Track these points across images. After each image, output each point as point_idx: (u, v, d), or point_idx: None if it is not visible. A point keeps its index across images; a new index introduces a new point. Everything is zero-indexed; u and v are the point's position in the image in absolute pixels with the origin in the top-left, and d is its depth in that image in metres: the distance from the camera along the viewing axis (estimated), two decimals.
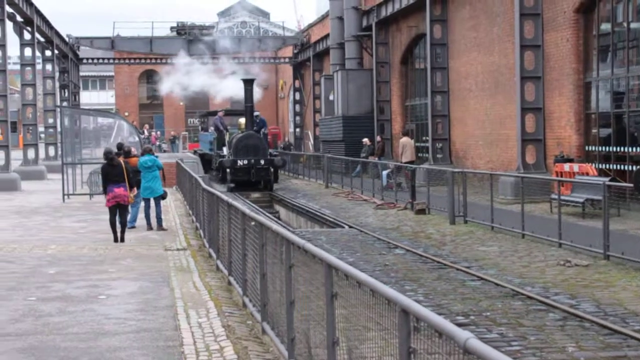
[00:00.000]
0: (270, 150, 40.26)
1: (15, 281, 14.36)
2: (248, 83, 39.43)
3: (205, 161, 44.90)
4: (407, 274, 15.66)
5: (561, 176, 23.89)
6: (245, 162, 36.91)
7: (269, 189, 37.77)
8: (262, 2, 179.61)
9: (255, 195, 36.29)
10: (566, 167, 24.71)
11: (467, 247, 19.11)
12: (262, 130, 40.77)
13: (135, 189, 20.83)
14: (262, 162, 37.24)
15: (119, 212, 19.78)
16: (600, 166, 25.59)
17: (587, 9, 26.75)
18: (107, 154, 20.71)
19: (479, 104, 34.09)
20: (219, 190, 19.85)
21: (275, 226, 9.95)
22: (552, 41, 27.87)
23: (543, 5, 27.97)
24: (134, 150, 24.44)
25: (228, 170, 37.05)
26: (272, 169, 37.96)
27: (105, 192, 20.07)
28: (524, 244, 18.90)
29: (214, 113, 46.59)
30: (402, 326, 5.11)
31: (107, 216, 20.21)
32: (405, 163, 30.80)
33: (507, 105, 30.81)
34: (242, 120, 39.57)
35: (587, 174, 23.42)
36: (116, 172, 19.93)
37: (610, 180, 19.91)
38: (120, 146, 23.83)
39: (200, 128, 57.72)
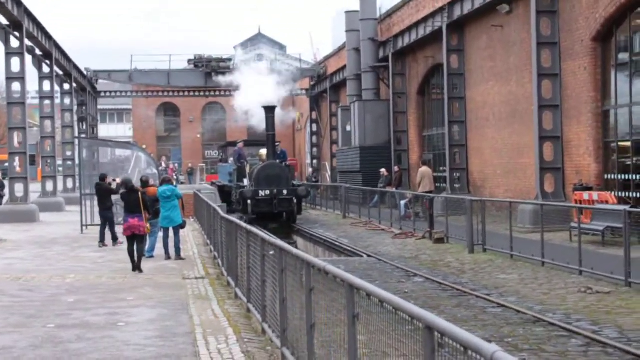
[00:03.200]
0: (292, 181, 38.43)
1: (35, 309, 14.35)
2: (269, 110, 37.37)
3: (225, 193, 42.96)
4: (427, 302, 15.56)
5: (581, 204, 23.75)
6: (268, 192, 34.99)
7: (292, 221, 36.16)
8: (279, 35, 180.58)
9: (273, 225, 34.54)
10: (585, 195, 24.58)
11: (487, 275, 19.00)
12: (285, 162, 39.14)
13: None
14: (285, 192, 35.27)
15: (136, 241, 19.80)
16: (619, 194, 25.46)
17: (605, 38, 26.74)
18: (127, 183, 20.87)
19: (496, 133, 34.05)
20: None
21: (295, 250, 9.91)
22: (570, 70, 27.85)
23: (560, 34, 27.99)
24: (151, 181, 24.53)
25: (249, 201, 35.07)
26: (295, 200, 35.98)
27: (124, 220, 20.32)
28: (544, 271, 18.76)
29: (234, 144, 45.49)
30: (427, 343, 5.05)
31: (124, 246, 20.30)
32: (424, 193, 30.69)
33: (525, 134, 30.75)
34: (263, 151, 37.81)
35: (607, 202, 23.30)
36: (133, 202, 20.03)
37: (630, 208, 19.77)
38: (146, 180, 23.97)
39: (219, 159, 56.86)
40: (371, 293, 6.49)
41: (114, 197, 25.98)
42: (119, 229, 23.72)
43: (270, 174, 35.62)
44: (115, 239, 25.35)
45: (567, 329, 12.64)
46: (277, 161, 36.94)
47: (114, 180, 27.35)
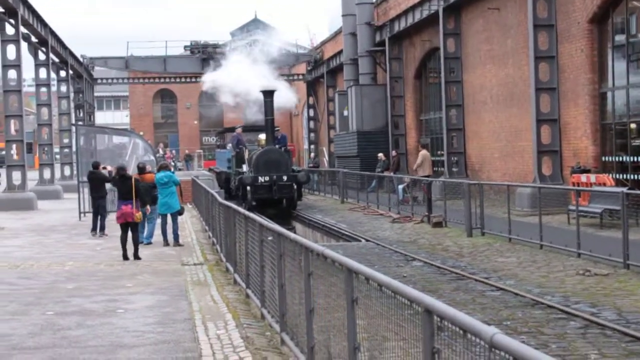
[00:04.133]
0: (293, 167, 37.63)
1: (34, 296, 14.36)
2: (268, 95, 36.47)
3: (224, 180, 42.35)
4: (426, 286, 15.56)
5: (578, 187, 23.75)
6: (267, 178, 34.21)
7: (292, 207, 35.48)
8: (274, 21, 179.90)
9: (271, 211, 33.72)
10: (583, 177, 24.59)
11: (485, 259, 19.00)
12: (284, 147, 38.23)
13: (148, 206, 20.81)
14: (285, 178, 34.51)
15: (130, 229, 19.71)
16: (617, 176, 25.46)
17: (601, 20, 26.68)
18: (120, 169, 20.83)
19: (494, 117, 34.02)
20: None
21: (293, 235, 9.90)
22: (567, 52, 27.80)
23: (557, 17, 27.92)
24: (148, 167, 24.48)
25: (248, 188, 34.30)
26: (295, 186, 35.16)
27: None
28: (542, 254, 18.77)
29: (232, 129, 44.45)
30: (426, 326, 5.05)
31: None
32: (422, 177, 30.66)
33: (522, 117, 30.73)
34: (262, 136, 36.77)
35: (605, 185, 23.31)
36: (126, 189, 19.94)
37: (628, 190, 19.77)
38: (142, 166, 23.79)
39: (217, 146, 56.01)
40: (370, 277, 6.49)
41: (108, 186, 25.87)
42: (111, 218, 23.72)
43: (269, 160, 34.94)
44: (102, 228, 25.13)
45: (566, 312, 12.64)
46: (277, 146, 36.34)
47: (105, 168, 26.88)
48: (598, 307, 13.00)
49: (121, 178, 20.34)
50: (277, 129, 38.29)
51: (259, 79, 42.59)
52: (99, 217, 25.31)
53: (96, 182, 25.86)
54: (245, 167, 36.33)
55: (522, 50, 30.49)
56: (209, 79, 50.21)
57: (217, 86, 48.36)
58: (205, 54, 61.13)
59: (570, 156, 27.77)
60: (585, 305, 13.17)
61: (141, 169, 23.03)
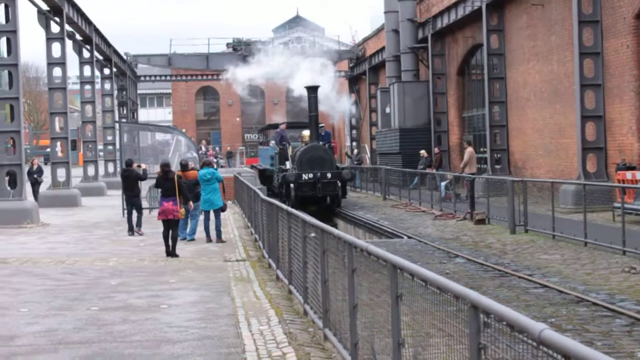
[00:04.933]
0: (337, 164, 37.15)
1: (78, 292, 14.49)
2: (312, 90, 36.06)
3: (266, 177, 41.86)
4: (469, 282, 15.46)
5: (624, 184, 23.48)
6: (311, 175, 33.70)
7: (337, 205, 34.95)
8: (316, 18, 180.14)
9: (312, 208, 33.25)
10: (628, 175, 24.30)
11: (529, 256, 18.86)
12: (328, 144, 37.72)
13: (191, 203, 20.83)
14: (329, 175, 33.91)
15: (170, 226, 19.74)
16: None
17: None
18: (164, 166, 20.85)
19: (537, 114, 33.76)
20: None
21: (336, 231, 9.89)
22: (612, 48, 27.50)
23: (602, 12, 27.64)
24: (191, 164, 24.57)
25: (292, 185, 33.75)
26: (339, 183, 34.59)
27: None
28: (586, 252, 18.60)
29: (276, 126, 43.66)
30: (472, 322, 5.01)
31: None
32: (468, 174, 30.50)
33: (567, 114, 30.45)
34: (306, 132, 36.34)
35: None
36: (168, 186, 20.01)
37: None
38: (185, 163, 23.76)
39: (259, 142, 55.42)
40: (415, 273, 6.45)
41: (153, 182, 25.80)
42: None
43: (313, 156, 34.47)
44: (139, 225, 24.79)
45: (611, 309, 12.51)
46: (321, 143, 35.83)
47: (139, 166, 26.70)
48: None
49: (164, 175, 20.39)
50: (321, 125, 37.74)
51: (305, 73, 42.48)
52: (135, 216, 24.91)
53: (130, 180, 25.21)
54: (288, 164, 35.79)
55: (567, 47, 30.21)
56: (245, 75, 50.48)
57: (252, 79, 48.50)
58: (247, 52, 61.23)
59: (615, 153, 27.47)
60: (630, 303, 13.03)
61: (184, 166, 23.14)
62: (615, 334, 11.16)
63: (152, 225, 24.96)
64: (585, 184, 22.31)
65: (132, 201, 25.10)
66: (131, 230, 24.62)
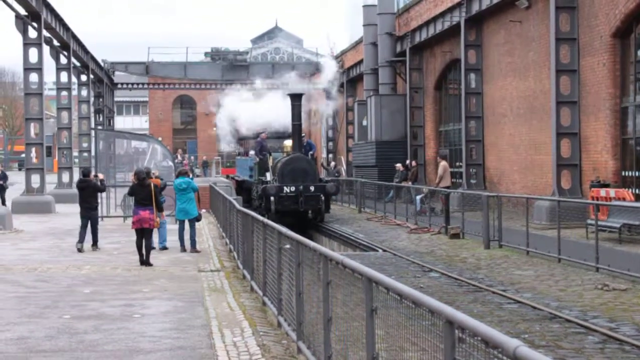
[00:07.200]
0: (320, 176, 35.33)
1: (51, 300, 14.39)
2: (296, 98, 34.58)
3: (245, 189, 40.36)
4: (443, 297, 15.49)
5: (597, 201, 23.61)
6: (293, 188, 32.14)
7: (320, 220, 33.32)
8: (295, 29, 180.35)
9: (289, 219, 31.21)
10: (602, 192, 24.46)
11: (503, 271, 18.92)
12: (311, 153, 36.75)
13: (163, 212, 20.64)
14: (312, 188, 32.43)
15: (145, 235, 19.61)
16: (636, 191, 25.33)
17: (624, 34, 26.56)
18: (139, 174, 20.70)
19: (513, 129, 33.92)
20: None
21: (312, 243, 9.88)
22: (589, 66, 27.69)
23: (579, 30, 27.84)
24: (154, 172, 24.28)
25: (272, 198, 32.06)
26: (323, 197, 32.84)
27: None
28: (560, 268, 18.67)
29: (256, 135, 41.78)
30: (447, 337, 5.01)
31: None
32: (442, 188, 30.59)
33: (542, 130, 30.61)
34: (287, 142, 34.46)
35: (624, 199, 23.18)
36: (144, 194, 19.89)
37: None
38: (147, 171, 23.04)
39: (237, 152, 54.27)
40: (390, 287, 6.45)
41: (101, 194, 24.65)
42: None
43: (295, 168, 33.01)
44: (95, 242, 22.61)
45: (584, 326, 12.57)
46: (305, 153, 34.64)
47: (96, 176, 24.95)
48: (616, 322, 12.92)
49: (140, 183, 20.26)
50: (303, 135, 36.50)
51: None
52: (91, 230, 22.57)
53: (87, 191, 22.80)
54: (269, 176, 34.58)
55: (544, 63, 30.39)
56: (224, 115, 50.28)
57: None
58: (226, 61, 61.22)
59: (589, 170, 27.63)
60: (603, 320, 13.09)
61: (146, 174, 22.37)
62: (588, 351, 11.20)
63: (126, 233, 24.84)
64: (560, 200, 22.40)
65: (89, 214, 22.57)
66: (81, 243, 22.22)
